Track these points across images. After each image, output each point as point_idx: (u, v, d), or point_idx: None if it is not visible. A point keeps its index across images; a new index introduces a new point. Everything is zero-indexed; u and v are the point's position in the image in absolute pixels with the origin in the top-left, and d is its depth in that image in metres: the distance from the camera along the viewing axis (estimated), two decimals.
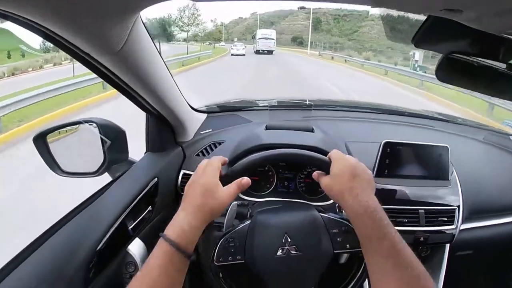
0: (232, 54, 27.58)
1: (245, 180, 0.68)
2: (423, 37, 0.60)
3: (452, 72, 0.65)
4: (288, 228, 0.71)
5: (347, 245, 0.71)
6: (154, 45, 0.77)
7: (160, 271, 0.54)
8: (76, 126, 0.96)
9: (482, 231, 1.13)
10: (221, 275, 0.72)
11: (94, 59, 0.64)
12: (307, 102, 1.43)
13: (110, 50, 0.62)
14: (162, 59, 0.85)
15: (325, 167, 0.72)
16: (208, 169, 0.66)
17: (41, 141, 0.89)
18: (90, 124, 0.92)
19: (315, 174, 0.75)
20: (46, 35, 0.54)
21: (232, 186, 0.66)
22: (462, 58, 0.61)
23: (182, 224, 0.59)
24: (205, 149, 1.17)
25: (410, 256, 0.55)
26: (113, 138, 0.91)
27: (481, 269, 1.37)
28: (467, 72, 0.64)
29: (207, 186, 0.63)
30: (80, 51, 0.60)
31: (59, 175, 0.91)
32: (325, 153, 0.77)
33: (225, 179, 0.68)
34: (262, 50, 32.12)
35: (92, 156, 0.91)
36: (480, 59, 0.60)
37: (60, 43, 0.57)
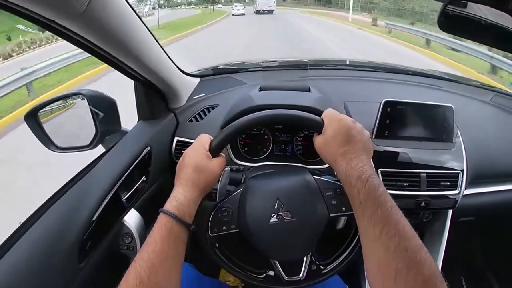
0: (233, 14, 29.70)
1: None
2: None
3: (454, 21, 0.61)
4: (280, 193, 0.69)
5: (343, 208, 0.70)
6: (128, 2, 0.71)
7: (163, 243, 0.56)
8: (69, 102, 0.95)
9: (484, 197, 1.09)
10: (217, 245, 0.72)
11: (61, 25, 0.59)
12: (303, 61, 1.36)
13: (74, 11, 0.56)
14: (142, 21, 0.79)
15: (318, 128, 0.69)
16: (196, 146, 0.69)
17: (32, 119, 0.88)
18: (78, 97, 0.91)
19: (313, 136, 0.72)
20: (4, 6, 0.50)
21: (222, 159, 0.70)
22: (459, 11, 0.58)
23: (179, 197, 0.61)
24: (198, 114, 1.13)
25: (404, 227, 0.52)
26: (104, 109, 0.90)
27: (481, 236, 1.36)
28: (468, 22, 0.60)
29: (197, 163, 0.66)
30: (44, 19, 0.55)
31: (53, 151, 0.90)
32: (320, 113, 0.74)
33: (214, 150, 0.69)
34: (262, 10, 31.61)
35: (84, 129, 0.90)
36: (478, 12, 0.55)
37: (21, 13, 0.53)
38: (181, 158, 0.69)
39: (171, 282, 0.56)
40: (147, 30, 0.84)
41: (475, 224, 1.19)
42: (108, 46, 0.73)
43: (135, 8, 0.75)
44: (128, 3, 0.71)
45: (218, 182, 0.71)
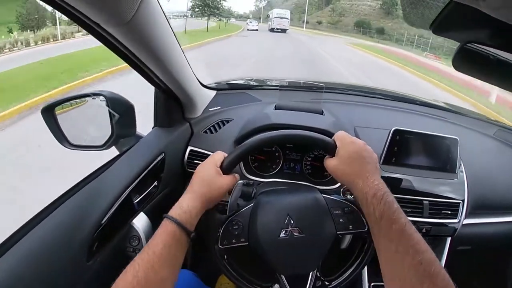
0: (248, 29, 32.89)
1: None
2: (442, 23, 0.57)
3: (468, 62, 0.63)
4: (291, 210, 0.71)
5: (350, 226, 0.72)
6: (165, 16, 0.75)
7: (164, 247, 0.58)
8: (85, 99, 0.96)
9: (483, 228, 1.12)
10: (225, 257, 0.73)
11: (103, 29, 0.62)
12: (318, 84, 1.40)
13: (120, 20, 0.60)
14: (173, 31, 0.83)
15: (330, 149, 0.72)
16: (208, 161, 0.72)
17: (49, 113, 0.89)
18: (98, 98, 0.92)
19: (325, 159, 0.75)
20: (54, 3, 0.53)
21: (232, 176, 0.72)
22: (479, 49, 0.60)
23: (183, 205, 0.64)
24: (213, 126, 1.16)
25: (418, 242, 0.55)
26: (122, 112, 0.91)
27: (478, 265, 1.37)
28: (484, 64, 0.62)
29: (206, 177, 0.69)
30: (89, 20, 0.59)
31: (66, 147, 0.91)
32: (332, 135, 0.77)
33: (226, 168, 0.72)
34: (276, 29, 33.55)
35: (100, 129, 0.92)
36: (498, 52, 0.58)
37: (69, 12, 0.56)
38: (195, 170, 0.72)
39: (168, 283, 0.58)
40: (177, 43, 0.87)
41: (472, 254, 1.21)
42: (142, 54, 0.76)
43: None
44: (164, 15, 0.75)
45: (225, 196, 0.73)
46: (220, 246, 0.71)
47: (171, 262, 0.59)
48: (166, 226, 0.60)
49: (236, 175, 0.75)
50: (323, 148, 0.74)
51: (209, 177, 0.69)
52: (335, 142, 0.72)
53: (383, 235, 0.58)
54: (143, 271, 0.54)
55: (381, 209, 0.59)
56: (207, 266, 0.73)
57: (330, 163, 0.71)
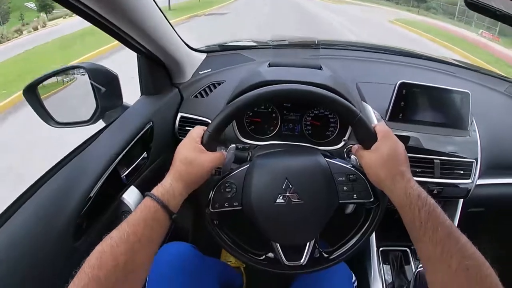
0: None
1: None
2: None
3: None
4: (289, 173, 0.66)
5: (354, 195, 0.67)
6: None
7: (146, 227, 0.54)
8: (73, 77, 0.91)
9: (496, 189, 1.05)
10: (216, 223, 0.69)
11: None
12: (316, 41, 1.31)
13: None
14: None
15: (371, 140, 0.65)
16: (187, 139, 0.66)
17: (31, 93, 0.84)
18: (78, 71, 0.88)
19: (355, 147, 0.69)
20: None
21: (217, 154, 0.66)
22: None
23: (167, 185, 0.60)
24: (204, 90, 1.09)
25: (465, 245, 0.52)
26: (105, 83, 0.86)
27: (490, 228, 1.32)
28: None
29: (185, 156, 0.63)
30: None
31: (53, 126, 0.87)
32: (333, 91, 0.69)
33: (206, 143, 0.65)
34: None
35: (85, 104, 0.87)
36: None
37: None
38: (177, 148, 0.66)
39: (144, 268, 0.54)
40: (153, 2, 0.80)
41: (484, 216, 1.16)
42: (112, 16, 0.69)
43: None
44: None
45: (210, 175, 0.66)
46: (212, 210, 0.67)
47: (150, 244, 0.55)
48: (148, 204, 0.56)
49: (224, 151, 0.68)
50: (362, 137, 0.67)
51: (188, 156, 0.63)
52: (376, 135, 0.65)
53: (429, 239, 0.54)
54: (123, 255, 0.50)
55: (426, 211, 0.55)
56: (209, 240, 0.69)
57: (366, 156, 0.65)
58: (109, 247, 0.50)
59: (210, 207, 0.67)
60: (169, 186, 0.59)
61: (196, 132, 0.67)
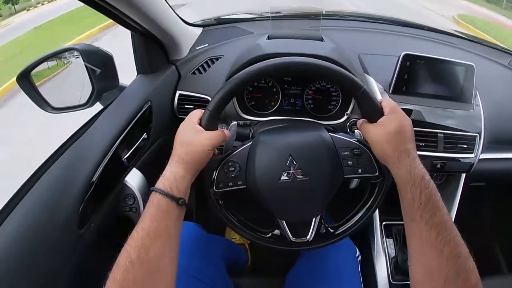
0: None
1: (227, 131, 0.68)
2: None
3: None
4: (293, 150, 0.65)
5: (359, 170, 0.66)
6: None
7: (151, 221, 0.54)
8: (68, 61, 0.89)
9: (498, 163, 1.05)
10: (221, 202, 0.69)
11: None
12: (316, 11, 1.27)
13: None
14: None
15: (377, 114, 0.63)
16: (185, 122, 0.65)
17: (25, 79, 0.82)
18: (72, 53, 0.85)
19: (360, 121, 0.68)
20: None
21: (217, 132, 0.64)
22: None
23: (165, 173, 0.59)
24: (201, 66, 1.06)
25: (457, 234, 0.53)
26: (100, 64, 0.84)
27: (491, 202, 1.35)
28: None
29: (184, 139, 0.62)
30: None
31: (49, 112, 0.85)
32: (336, 63, 0.66)
33: (205, 122, 0.63)
34: None
35: (81, 87, 0.85)
36: None
37: None
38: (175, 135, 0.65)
39: (164, 259, 0.54)
40: None
41: (485, 191, 1.17)
42: None
43: None
44: None
45: (213, 155, 0.66)
46: (216, 190, 0.66)
47: (163, 235, 0.54)
48: (151, 199, 0.56)
49: (225, 129, 0.67)
50: (368, 110, 0.65)
51: (187, 137, 0.62)
52: (382, 109, 0.64)
53: (425, 222, 0.54)
54: (134, 250, 0.50)
55: (428, 194, 0.55)
56: (213, 218, 0.69)
57: (372, 130, 0.63)
58: (123, 250, 0.51)
59: (214, 187, 0.66)
60: (169, 173, 0.58)
61: (195, 114, 0.65)
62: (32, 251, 0.58)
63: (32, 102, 0.84)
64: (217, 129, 0.65)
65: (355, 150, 0.66)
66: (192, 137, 0.61)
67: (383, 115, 0.63)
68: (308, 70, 0.65)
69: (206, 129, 0.62)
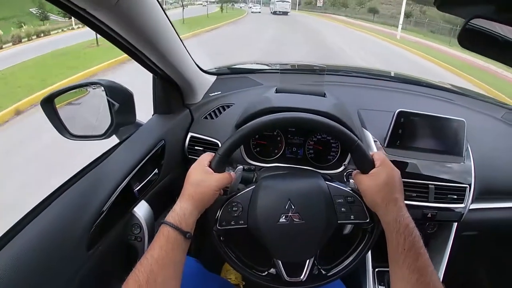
0: (252, 12, 37.88)
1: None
2: None
3: (475, 39, 0.61)
4: (292, 195, 0.70)
5: (352, 216, 0.71)
6: None
7: (161, 250, 0.60)
8: (85, 89, 0.96)
9: (490, 213, 1.09)
10: (222, 239, 0.73)
11: (91, 14, 0.61)
12: (321, 66, 1.36)
13: (106, 3, 0.58)
14: (167, 15, 0.81)
15: (367, 166, 0.70)
16: (196, 164, 0.72)
17: (49, 105, 0.89)
18: (96, 87, 0.92)
19: (354, 172, 0.74)
20: None
21: (224, 174, 0.70)
22: (484, 29, 0.57)
23: (175, 208, 0.65)
24: (213, 111, 1.14)
25: (436, 277, 0.59)
26: (121, 100, 0.90)
27: (484, 251, 1.35)
28: (491, 41, 0.59)
29: (194, 179, 0.68)
30: (75, 6, 0.57)
31: (68, 138, 0.91)
32: (336, 118, 0.72)
33: (215, 165, 0.70)
34: (278, 11, 36.39)
35: (100, 119, 0.92)
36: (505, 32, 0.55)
37: None
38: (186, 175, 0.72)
39: (169, 286, 0.59)
40: (171, 26, 0.85)
41: (478, 239, 1.19)
42: (133, 38, 0.74)
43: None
44: None
45: (219, 195, 0.71)
46: (219, 227, 0.71)
47: (170, 265, 0.60)
48: (161, 230, 0.62)
49: (231, 172, 0.74)
50: (361, 162, 0.71)
51: (197, 178, 0.68)
52: (373, 161, 0.71)
53: (407, 266, 0.59)
54: (143, 276, 0.56)
55: (411, 240, 0.61)
56: (211, 253, 0.73)
57: (364, 181, 0.69)
58: (132, 275, 0.56)
59: (217, 225, 0.71)
60: (179, 209, 0.64)
61: (205, 157, 0.72)
62: (42, 268, 0.62)
63: (53, 127, 0.90)
64: (224, 171, 0.71)
65: (348, 198, 0.72)
66: (202, 178, 0.68)
67: (374, 167, 0.69)
68: (311, 125, 0.73)
69: (215, 171, 0.69)
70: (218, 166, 0.70)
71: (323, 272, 0.74)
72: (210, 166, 0.70)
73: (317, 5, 53.56)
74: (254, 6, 46.72)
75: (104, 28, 0.67)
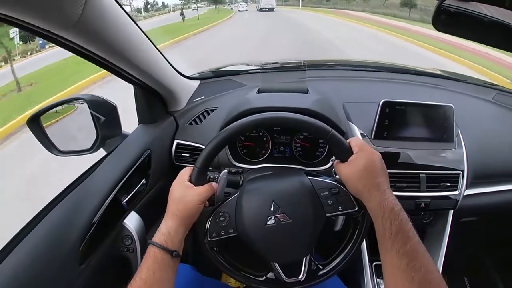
0: (239, 10, 39.25)
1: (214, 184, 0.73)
2: None
3: (449, 21, 0.60)
4: (275, 196, 0.70)
5: (339, 207, 0.70)
6: (123, 9, 0.72)
7: (148, 270, 0.60)
8: (72, 105, 0.96)
9: (487, 198, 1.07)
10: (216, 249, 0.73)
11: (57, 35, 0.60)
12: (302, 63, 1.35)
13: (68, 21, 0.58)
14: (138, 26, 0.80)
15: (345, 155, 0.69)
16: (176, 180, 0.71)
17: (35, 123, 0.90)
18: (81, 102, 0.92)
19: (335, 162, 0.73)
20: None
21: (205, 186, 0.69)
22: (456, 7, 0.57)
23: (161, 228, 0.65)
24: (198, 117, 1.14)
25: (428, 261, 0.56)
26: (105, 113, 0.91)
27: (485, 236, 1.34)
28: (464, 21, 0.59)
29: (175, 196, 0.68)
30: (39, 28, 0.56)
31: (56, 155, 0.92)
32: (319, 114, 0.71)
33: (195, 179, 0.69)
34: (264, 8, 37.92)
35: (86, 133, 0.92)
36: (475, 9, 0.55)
37: (15, 23, 0.53)
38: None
39: None
40: (144, 35, 0.85)
41: (478, 225, 1.17)
42: (104, 52, 0.74)
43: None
44: (123, 9, 0.72)
45: (203, 207, 0.71)
46: (210, 239, 0.70)
47: (158, 284, 0.60)
48: (149, 251, 0.62)
49: (213, 183, 0.72)
50: (338, 152, 0.70)
51: (178, 194, 0.68)
52: (351, 148, 0.69)
53: (396, 251, 0.57)
54: None
55: (397, 224, 0.58)
56: (209, 261, 0.73)
57: (344, 169, 0.68)
58: None
59: (208, 237, 0.70)
60: (165, 228, 0.64)
61: (185, 171, 0.72)
62: (34, 283, 0.62)
63: (41, 144, 0.90)
64: (206, 182, 0.71)
65: (333, 190, 0.71)
66: (183, 194, 0.67)
67: (352, 154, 0.68)
68: (281, 123, 0.72)
69: (195, 185, 0.68)
70: (198, 179, 0.69)
71: (321, 267, 0.73)
72: (190, 180, 0.70)
73: None
74: (240, 5, 49.83)
75: (74, 46, 0.66)
